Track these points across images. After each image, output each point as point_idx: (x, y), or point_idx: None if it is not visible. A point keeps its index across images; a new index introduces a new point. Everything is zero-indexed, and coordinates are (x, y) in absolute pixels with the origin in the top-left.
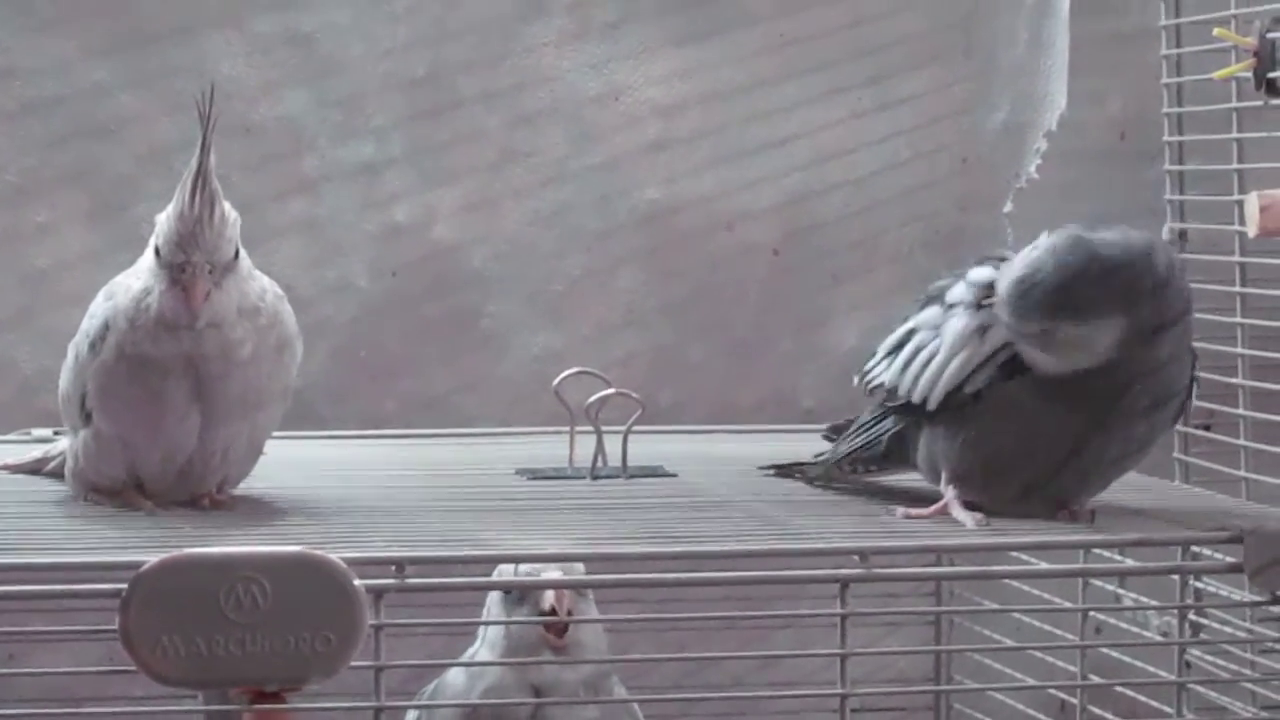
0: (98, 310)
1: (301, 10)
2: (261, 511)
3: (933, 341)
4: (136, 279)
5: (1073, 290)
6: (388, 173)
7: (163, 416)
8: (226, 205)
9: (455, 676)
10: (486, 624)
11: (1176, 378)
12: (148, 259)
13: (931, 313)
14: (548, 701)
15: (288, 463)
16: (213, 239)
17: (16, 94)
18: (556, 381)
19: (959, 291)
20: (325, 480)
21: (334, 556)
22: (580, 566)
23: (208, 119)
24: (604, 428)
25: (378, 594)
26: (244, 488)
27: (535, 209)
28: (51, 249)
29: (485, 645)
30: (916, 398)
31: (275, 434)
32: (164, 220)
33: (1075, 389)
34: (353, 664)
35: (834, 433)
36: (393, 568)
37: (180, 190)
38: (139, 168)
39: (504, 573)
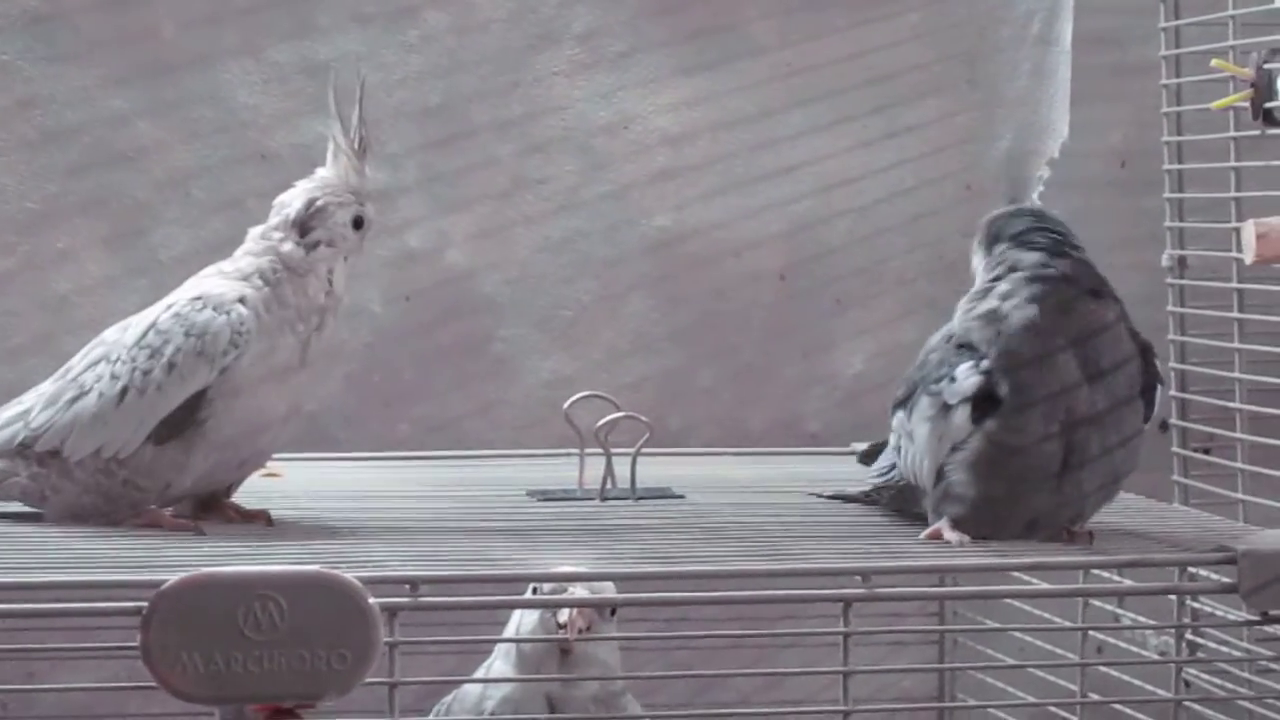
0: (214, 323)
1: (317, 40)
2: (278, 531)
3: (910, 448)
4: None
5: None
6: (401, 200)
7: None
8: None
9: (471, 686)
10: (499, 641)
11: (1119, 342)
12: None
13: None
14: (561, 718)
15: (303, 484)
16: None
17: (37, 123)
18: (567, 405)
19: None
20: (340, 501)
21: (350, 576)
22: (609, 586)
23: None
24: (613, 450)
25: (392, 612)
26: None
27: (546, 236)
28: (71, 275)
29: (501, 656)
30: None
31: (290, 456)
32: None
33: (1036, 381)
34: (367, 681)
35: (865, 459)
36: (407, 587)
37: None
38: (157, 195)
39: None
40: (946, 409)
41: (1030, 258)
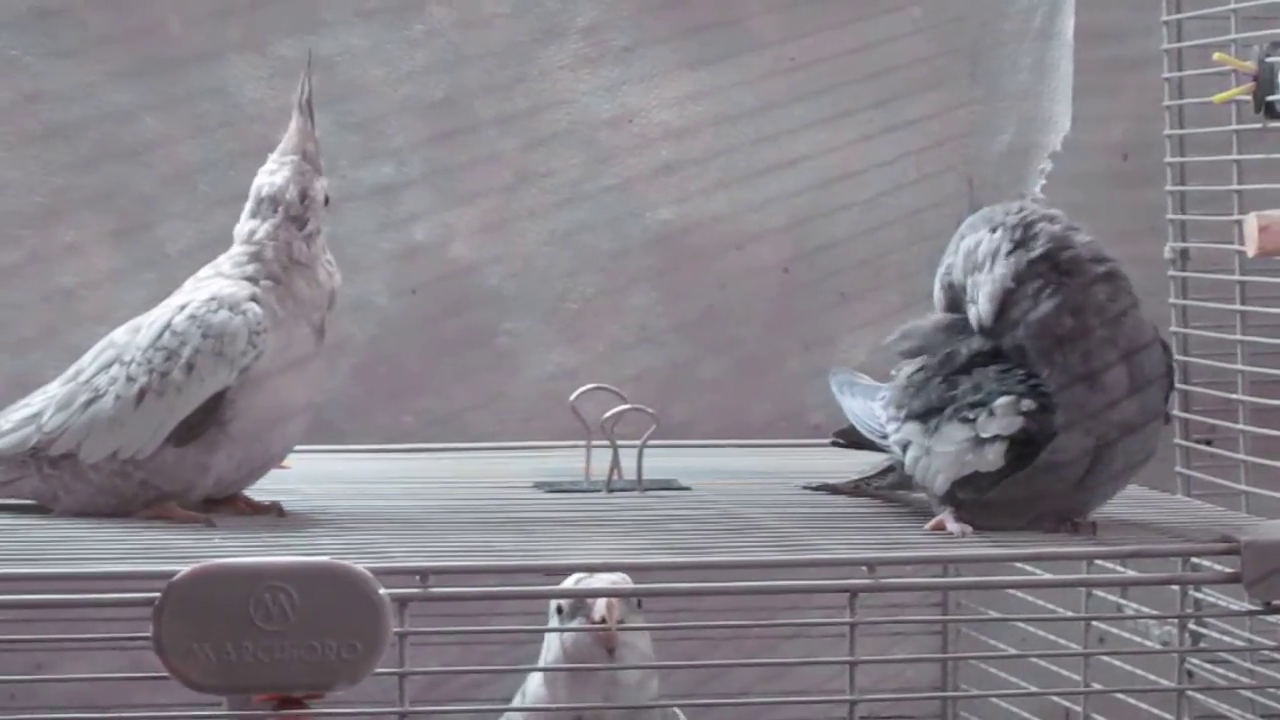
0: (231, 324)
1: (322, 35)
2: (288, 523)
3: (926, 459)
4: (240, 283)
5: None
6: (406, 193)
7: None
8: None
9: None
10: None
11: (1144, 332)
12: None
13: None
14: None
15: (311, 476)
16: None
17: (44, 117)
18: (573, 397)
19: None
20: (349, 493)
21: (360, 566)
22: (626, 578)
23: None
24: (619, 442)
25: (402, 603)
26: (272, 499)
27: (550, 229)
28: (77, 268)
29: (536, 681)
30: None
31: (297, 448)
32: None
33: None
34: (377, 671)
35: (841, 437)
36: (417, 577)
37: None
38: (163, 189)
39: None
40: (979, 441)
41: (1086, 259)
